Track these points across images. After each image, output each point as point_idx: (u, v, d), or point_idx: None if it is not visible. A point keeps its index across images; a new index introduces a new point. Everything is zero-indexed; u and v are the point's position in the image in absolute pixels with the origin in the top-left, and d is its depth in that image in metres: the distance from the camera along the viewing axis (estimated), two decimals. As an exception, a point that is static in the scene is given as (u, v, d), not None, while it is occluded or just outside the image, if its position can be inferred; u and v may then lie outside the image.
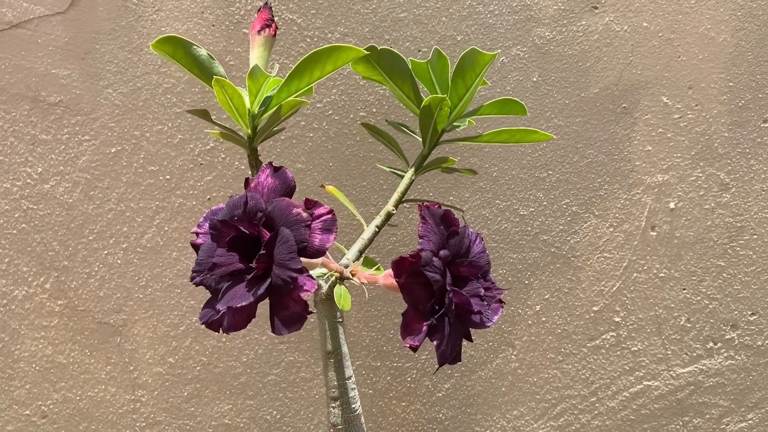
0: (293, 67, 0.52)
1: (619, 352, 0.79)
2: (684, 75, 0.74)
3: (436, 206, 0.51)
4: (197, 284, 0.50)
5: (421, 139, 0.57)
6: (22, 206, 0.72)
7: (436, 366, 0.76)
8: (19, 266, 0.73)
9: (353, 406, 0.54)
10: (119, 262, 0.73)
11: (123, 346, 0.75)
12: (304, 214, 0.48)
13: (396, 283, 0.48)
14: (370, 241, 0.56)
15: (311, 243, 0.47)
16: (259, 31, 0.56)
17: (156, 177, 0.72)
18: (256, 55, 0.57)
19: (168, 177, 0.72)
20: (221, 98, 0.51)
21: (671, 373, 0.80)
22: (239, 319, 0.47)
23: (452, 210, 0.52)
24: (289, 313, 0.47)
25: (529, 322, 0.78)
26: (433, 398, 0.78)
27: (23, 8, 0.69)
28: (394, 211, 0.56)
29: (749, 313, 0.80)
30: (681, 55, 0.74)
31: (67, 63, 0.70)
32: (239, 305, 0.46)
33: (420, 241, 0.48)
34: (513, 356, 0.78)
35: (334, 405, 0.53)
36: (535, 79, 0.73)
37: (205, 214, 0.53)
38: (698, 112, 0.75)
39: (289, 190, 0.50)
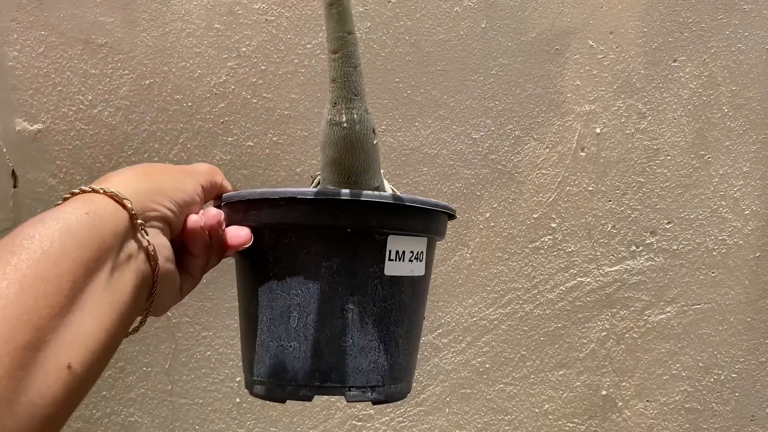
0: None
1: (555, 253, 0.95)
2: (606, 22, 0.89)
3: None
4: None
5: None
6: (76, 126, 0.89)
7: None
8: (73, 175, 0.91)
9: (353, 60, 0.50)
10: (151, 172, 0.91)
11: (154, 241, 0.93)
12: None
13: None
14: None
15: None
16: None
17: (180, 104, 0.89)
18: None
19: (190, 104, 0.89)
20: None
21: (600, 271, 0.95)
22: None
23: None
24: None
25: (481, 226, 0.94)
26: (403, 287, 0.94)
27: (77, -30, 0.87)
28: None
29: (665, 221, 0.94)
30: (603, 6, 0.89)
31: (111, 12, 0.87)
32: None
33: None
34: (468, 254, 0.94)
35: (333, 57, 0.50)
36: (483, 26, 0.89)
37: None
38: (618, 53, 0.90)
39: None
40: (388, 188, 0.57)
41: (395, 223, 0.50)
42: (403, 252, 0.51)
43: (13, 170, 0.90)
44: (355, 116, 0.51)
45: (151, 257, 0.46)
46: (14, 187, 0.90)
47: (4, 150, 0.89)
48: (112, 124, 0.89)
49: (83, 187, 0.46)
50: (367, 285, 0.49)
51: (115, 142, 0.89)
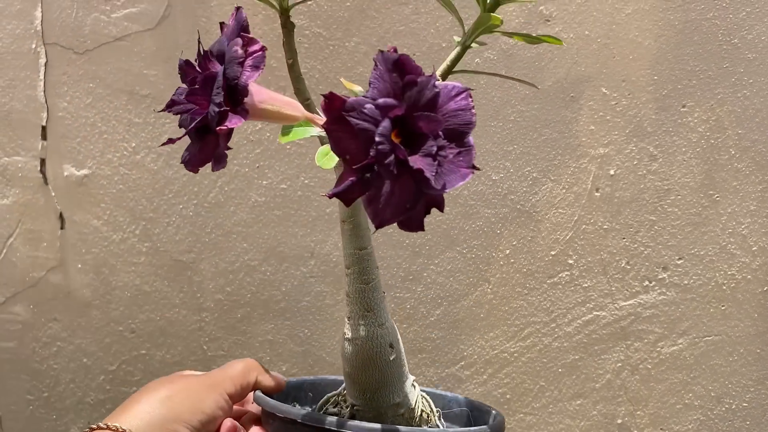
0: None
1: (572, 288, 0.98)
2: (618, 71, 0.93)
3: (392, 50, 0.40)
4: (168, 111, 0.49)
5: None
6: (120, 172, 0.94)
7: (430, 296, 0.94)
8: (117, 217, 0.95)
9: (364, 276, 0.49)
10: (191, 214, 0.95)
11: (192, 279, 0.96)
12: (240, 51, 0.45)
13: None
14: None
15: (240, 79, 0.44)
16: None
17: (218, 150, 0.93)
18: None
19: (227, 150, 0.93)
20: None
21: (615, 305, 0.98)
22: (191, 156, 0.47)
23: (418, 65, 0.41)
24: (211, 148, 0.46)
25: (501, 263, 0.97)
26: (427, 322, 0.98)
27: (124, 26, 0.91)
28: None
29: (677, 258, 0.97)
30: (615, 56, 0.93)
31: (155, 65, 0.92)
32: (178, 138, 0.46)
33: (368, 92, 0.40)
34: (489, 290, 0.97)
35: (347, 272, 0.50)
36: (504, 72, 0.93)
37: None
38: (630, 99, 0.94)
39: (243, 29, 0.46)
40: (416, 398, 0.54)
41: None
42: None
43: (60, 213, 0.94)
44: (365, 333, 0.49)
45: None
46: (61, 228, 0.94)
47: (53, 194, 0.93)
48: (153, 170, 0.93)
49: (99, 424, 0.50)
50: None
51: (157, 185, 0.93)
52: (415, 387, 0.56)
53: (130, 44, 0.90)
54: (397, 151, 0.39)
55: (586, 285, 0.96)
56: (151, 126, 0.92)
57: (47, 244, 0.94)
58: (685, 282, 0.96)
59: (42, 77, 0.90)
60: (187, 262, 0.94)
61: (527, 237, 0.95)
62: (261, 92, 0.46)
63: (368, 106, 0.39)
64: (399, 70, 0.40)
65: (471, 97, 0.41)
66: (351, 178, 0.40)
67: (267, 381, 0.57)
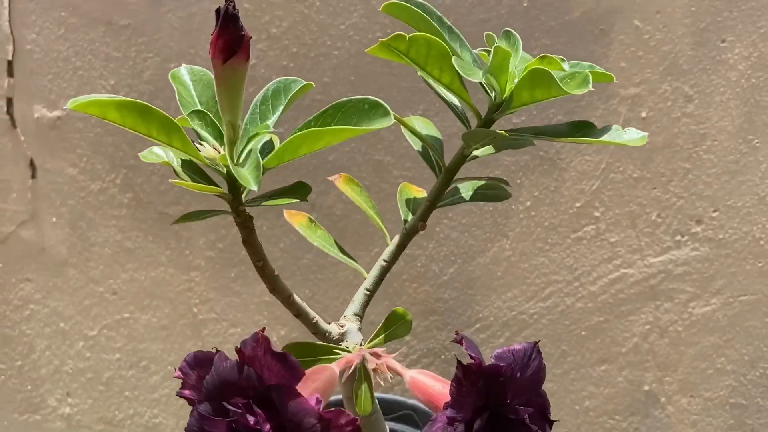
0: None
1: (598, 243, 0.89)
2: (652, 1, 0.83)
3: (477, 362, 0.37)
4: None
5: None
6: (98, 113, 0.83)
7: (443, 253, 0.85)
8: (94, 164, 0.84)
9: None
10: (177, 161, 0.84)
11: (180, 234, 0.86)
12: (319, 425, 0.35)
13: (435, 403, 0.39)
14: (379, 283, 0.47)
15: None
16: (224, 60, 0.40)
17: (207, 89, 0.82)
18: (225, 92, 0.41)
19: (217, 89, 0.83)
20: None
21: (644, 262, 0.89)
22: None
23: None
24: None
25: (521, 216, 0.88)
26: (439, 281, 0.88)
27: (99, -53, 0.80)
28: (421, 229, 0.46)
29: (712, 210, 0.88)
30: (650, -16, 0.83)
31: (135, -7, 0.81)
32: None
33: (449, 410, 0.37)
34: (507, 245, 0.88)
35: None
36: (525, 5, 0.82)
37: (186, 360, 0.39)
38: (665, 33, 0.84)
39: (296, 377, 0.37)
40: None
41: None
42: None
43: (31, 159, 0.83)
44: None
45: None
46: (33, 177, 0.84)
47: (22, 138, 0.82)
48: (135, 111, 0.82)
49: None
50: None
51: (139, 129, 0.83)
52: None
53: (107, -33, 0.79)
54: None
55: (613, 240, 0.87)
56: (132, 61, 0.81)
57: (17, 195, 0.84)
58: (720, 236, 0.87)
59: (7, 4, 0.79)
60: (174, 215, 0.84)
61: (550, 187, 0.85)
62: None
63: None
64: (487, 379, 0.37)
65: (540, 351, 0.39)
66: None
67: None
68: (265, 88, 0.45)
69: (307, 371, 0.40)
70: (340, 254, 0.51)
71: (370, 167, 0.84)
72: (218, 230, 0.84)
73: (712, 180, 0.87)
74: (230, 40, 0.39)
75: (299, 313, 0.48)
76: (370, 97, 0.40)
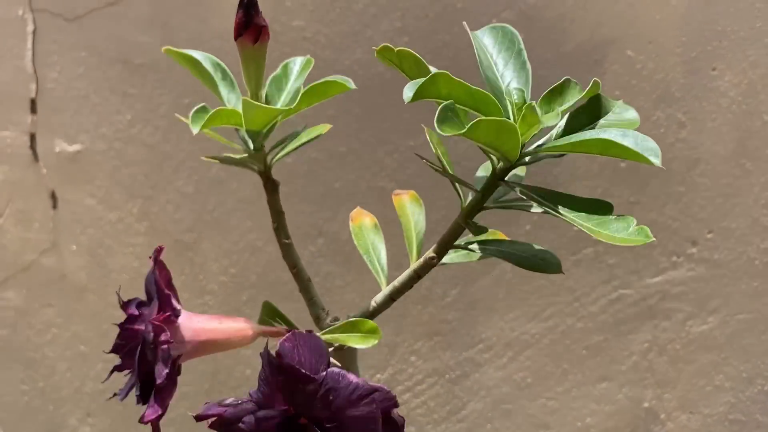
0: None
1: (597, 265, 0.90)
2: (644, 32, 0.86)
3: (279, 357, 0.36)
4: None
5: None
6: (115, 146, 0.86)
7: (446, 276, 0.87)
8: (112, 195, 0.87)
9: None
10: (191, 191, 0.87)
11: (194, 260, 0.89)
12: (151, 335, 0.40)
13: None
14: (388, 302, 0.47)
15: (156, 374, 0.39)
16: (254, 41, 0.45)
17: (219, 122, 0.86)
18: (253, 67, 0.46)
19: (228, 122, 0.86)
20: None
21: (642, 282, 0.91)
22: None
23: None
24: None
25: (522, 239, 0.90)
26: (443, 302, 0.90)
27: (116, -10, 0.84)
28: (434, 260, 0.44)
29: (707, 231, 0.90)
30: (641, 16, 0.85)
31: (150, 32, 0.84)
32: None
33: (254, 390, 0.37)
34: (508, 268, 0.90)
35: None
36: (522, 38, 0.85)
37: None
38: (657, 62, 0.86)
39: (166, 282, 0.42)
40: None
41: None
42: None
43: (53, 191, 0.86)
44: None
45: None
46: (54, 207, 0.87)
47: (44, 171, 0.86)
48: (151, 144, 0.85)
49: None
50: None
51: (154, 161, 0.86)
52: None
53: (124, 9, 0.83)
54: None
55: (611, 262, 0.89)
56: (147, 97, 0.84)
57: (39, 225, 0.87)
58: (716, 257, 0.89)
59: (30, 46, 0.82)
60: (188, 242, 0.87)
61: (549, 211, 0.87)
62: (196, 332, 0.43)
63: (247, 419, 0.37)
64: (285, 374, 0.36)
65: (376, 402, 0.35)
66: None
67: None
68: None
69: (230, 317, 0.45)
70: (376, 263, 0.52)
71: (374, 194, 0.87)
72: (230, 256, 0.87)
73: (707, 203, 0.88)
74: (256, 28, 0.44)
75: (302, 288, 0.50)
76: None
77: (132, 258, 0.87)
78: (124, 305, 0.45)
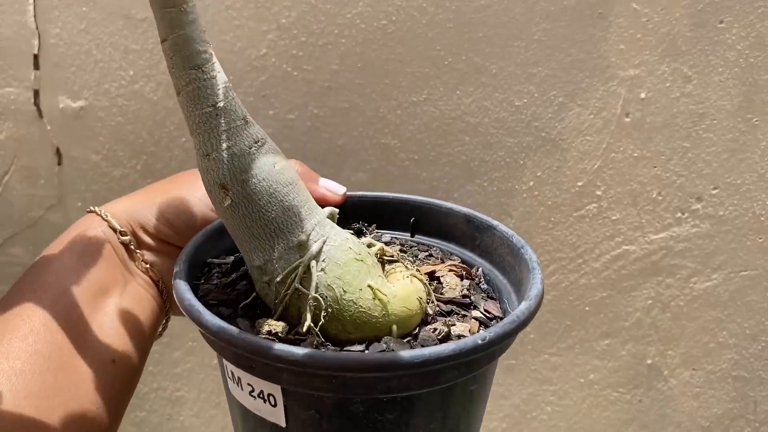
0: None
1: (600, 221, 0.90)
2: (650, -16, 0.84)
3: None
4: None
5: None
6: (118, 103, 0.86)
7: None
8: (116, 152, 0.87)
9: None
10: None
11: (198, 216, 0.88)
12: None
13: None
14: None
15: None
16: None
17: (221, 78, 0.85)
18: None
19: (231, 77, 0.85)
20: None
21: (646, 239, 0.90)
22: None
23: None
24: None
25: (524, 195, 0.89)
26: (446, 258, 0.90)
27: (116, -56, 0.83)
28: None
29: (711, 187, 0.89)
30: (647, -33, 0.83)
31: (151, -13, 0.83)
32: None
33: None
34: (511, 224, 0.89)
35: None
36: (525, -9, 0.84)
37: None
38: (663, 15, 0.84)
39: None
40: (308, 257, 0.39)
41: None
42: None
43: (57, 148, 0.86)
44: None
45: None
46: (59, 164, 0.87)
47: (49, 128, 0.86)
48: (153, 100, 0.85)
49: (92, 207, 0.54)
50: None
51: (157, 117, 0.85)
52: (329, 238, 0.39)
53: (124, -37, 0.82)
54: None
55: (614, 217, 0.88)
56: (149, 53, 0.83)
57: (45, 182, 0.87)
58: (721, 213, 0.88)
59: (31, 1, 0.81)
60: (191, 199, 0.86)
61: (552, 167, 0.87)
62: None
63: None
64: None
65: None
66: None
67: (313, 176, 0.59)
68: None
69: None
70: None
71: (378, 150, 0.86)
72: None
73: (712, 158, 0.87)
74: None
75: None
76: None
77: (137, 214, 0.87)
78: None
